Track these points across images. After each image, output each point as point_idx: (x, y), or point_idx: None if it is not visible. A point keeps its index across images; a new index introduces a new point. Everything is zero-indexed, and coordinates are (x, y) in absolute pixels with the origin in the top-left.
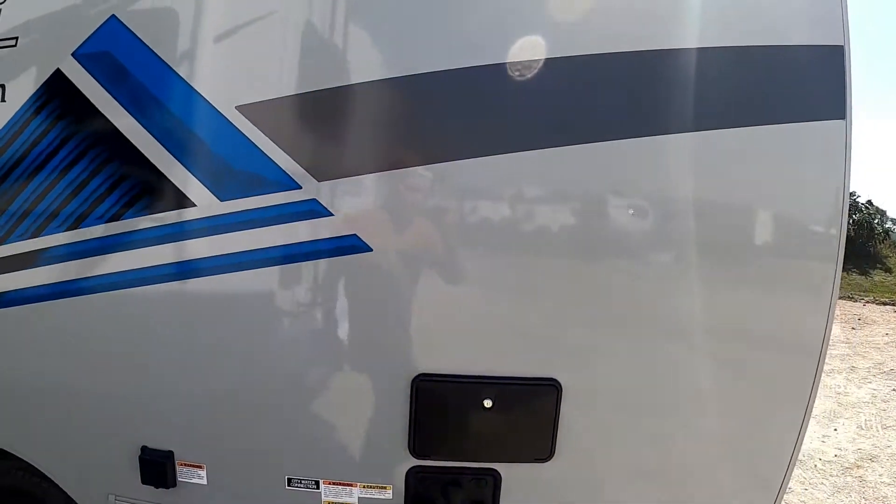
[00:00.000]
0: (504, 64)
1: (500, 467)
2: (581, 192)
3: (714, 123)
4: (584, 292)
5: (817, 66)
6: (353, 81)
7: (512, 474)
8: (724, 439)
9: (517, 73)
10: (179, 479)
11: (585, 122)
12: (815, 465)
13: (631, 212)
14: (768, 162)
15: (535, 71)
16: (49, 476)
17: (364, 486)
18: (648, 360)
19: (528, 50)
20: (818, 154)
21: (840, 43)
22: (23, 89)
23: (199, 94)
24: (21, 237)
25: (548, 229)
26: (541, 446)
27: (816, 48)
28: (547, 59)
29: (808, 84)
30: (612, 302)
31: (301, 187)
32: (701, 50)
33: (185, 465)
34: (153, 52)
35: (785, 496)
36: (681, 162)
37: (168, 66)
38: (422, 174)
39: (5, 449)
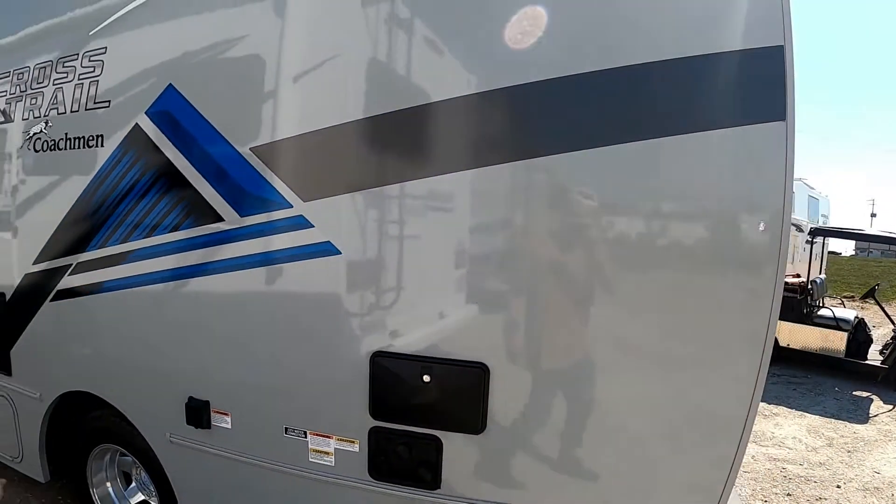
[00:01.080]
0: (423, 106)
1: (441, 435)
2: (513, 204)
3: (652, 133)
4: (513, 290)
5: (757, 68)
6: (322, 126)
7: (451, 442)
8: (654, 422)
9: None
10: (213, 424)
11: (527, 142)
12: None
13: (568, 217)
14: (708, 166)
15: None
16: (130, 420)
17: (338, 439)
18: (575, 348)
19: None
20: (758, 157)
21: (780, 43)
22: (115, 137)
23: (225, 139)
24: (115, 242)
25: (479, 239)
26: (472, 420)
27: (755, 51)
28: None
29: (747, 87)
30: (538, 298)
31: (292, 206)
32: (633, 67)
33: (217, 412)
34: (195, 109)
35: None
36: (623, 171)
37: (205, 119)
38: (375, 195)
39: (106, 399)
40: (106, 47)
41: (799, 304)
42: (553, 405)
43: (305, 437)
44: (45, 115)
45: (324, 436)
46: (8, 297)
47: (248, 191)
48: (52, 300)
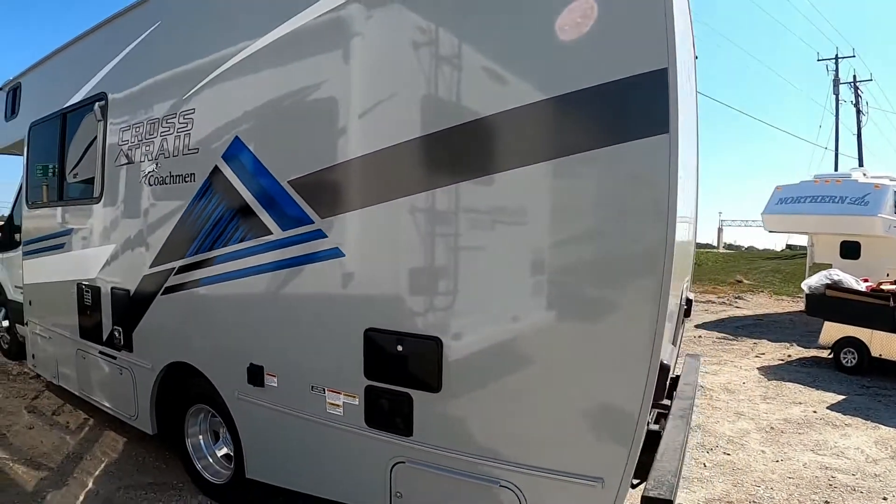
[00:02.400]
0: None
1: (411, 392)
2: (451, 220)
3: (546, 156)
4: (460, 282)
5: (642, 89)
6: (331, 164)
7: (419, 398)
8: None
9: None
10: (266, 383)
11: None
12: None
13: (497, 226)
14: (595, 183)
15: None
16: (213, 383)
17: (345, 394)
18: (511, 325)
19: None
20: (642, 168)
21: (664, 66)
22: (202, 175)
23: (271, 174)
24: (202, 250)
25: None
26: (429, 381)
27: (640, 76)
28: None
29: (633, 107)
30: (476, 286)
31: (314, 222)
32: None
33: (268, 374)
34: (252, 153)
35: None
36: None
37: (259, 160)
38: (367, 213)
39: (198, 367)
40: (194, 108)
41: (892, 311)
42: (493, 370)
43: (324, 393)
44: (155, 159)
45: (335, 391)
46: (132, 293)
47: (286, 212)
48: (161, 294)
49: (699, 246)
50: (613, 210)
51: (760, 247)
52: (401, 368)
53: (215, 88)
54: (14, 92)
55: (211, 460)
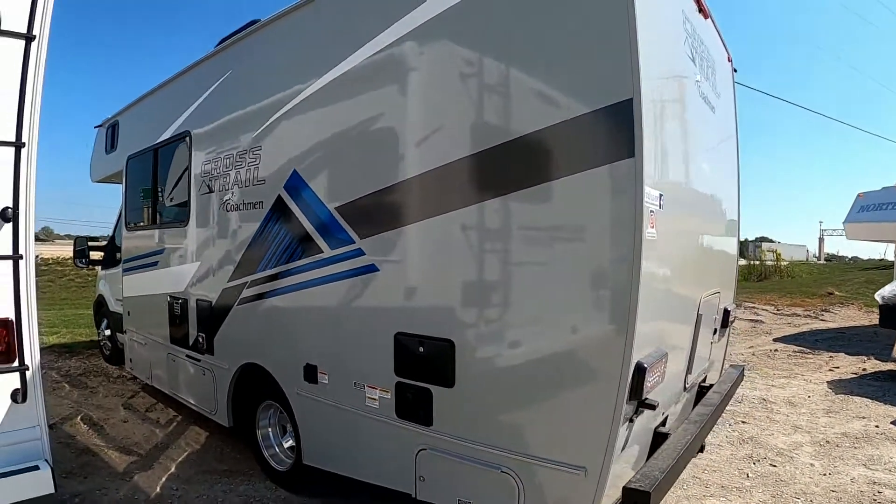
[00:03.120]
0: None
1: (430, 387)
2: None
3: (531, 183)
4: (468, 293)
5: (610, 118)
6: (365, 193)
7: (437, 393)
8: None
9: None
10: (319, 381)
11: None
12: None
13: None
14: (575, 203)
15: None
16: (278, 381)
17: (380, 390)
18: (507, 331)
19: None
20: (610, 189)
21: (629, 97)
22: (268, 203)
23: (322, 202)
24: (269, 267)
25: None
26: (445, 378)
27: (608, 107)
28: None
29: (602, 135)
30: (484, 297)
31: (354, 242)
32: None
33: (321, 373)
34: (307, 184)
35: None
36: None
37: (312, 190)
38: (394, 234)
39: (266, 367)
40: (261, 146)
41: None
42: (494, 368)
43: (364, 389)
44: (231, 188)
45: (372, 387)
46: (213, 304)
47: (333, 233)
48: (237, 305)
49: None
50: (587, 227)
51: (865, 257)
52: (422, 367)
53: (277, 128)
54: (113, 128)
55: (277, 450)
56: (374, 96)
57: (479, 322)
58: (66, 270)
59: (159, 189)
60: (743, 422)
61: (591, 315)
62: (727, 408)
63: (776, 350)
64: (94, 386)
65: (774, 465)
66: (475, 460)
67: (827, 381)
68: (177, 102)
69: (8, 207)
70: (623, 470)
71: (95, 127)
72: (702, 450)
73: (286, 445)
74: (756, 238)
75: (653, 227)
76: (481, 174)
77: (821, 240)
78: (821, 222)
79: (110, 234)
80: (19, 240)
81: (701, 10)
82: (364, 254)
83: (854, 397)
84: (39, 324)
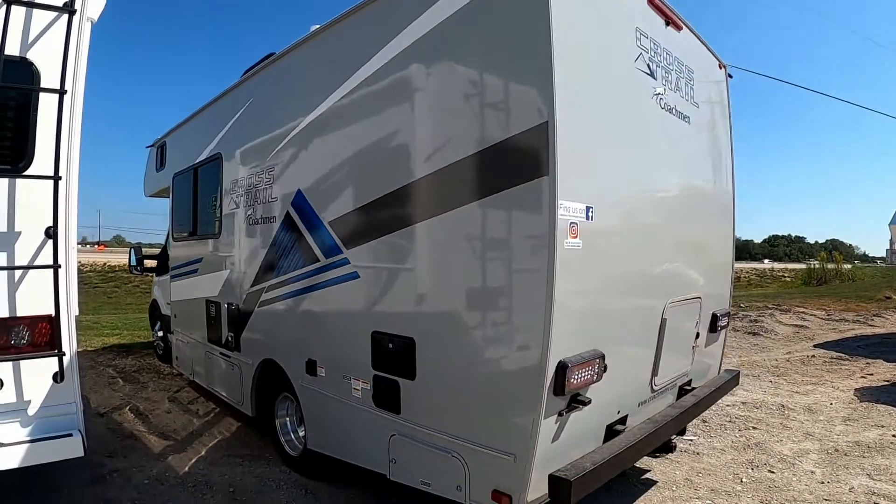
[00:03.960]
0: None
1: (398, 380)
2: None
3: (470, 199)
4: (422, 297)
5: (529, 141)
6: (347, 211)
7: (403, 385)
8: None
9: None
10: (318, 374)
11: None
12: None
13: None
14: (498, 220)
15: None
16: (287, 374)
17: (362, 381)
18: (456, 332)
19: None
20: (529, 204)
21: (544, 120)
22: (279, 218)
23: (319, 217)
24: (280, 274)
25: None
26: (409, 371)
27: (526, 131)
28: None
29: (522, 156)
30: (434, 301)
31: (342, 252)
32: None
33: (319, 366)
34: (308, 202)
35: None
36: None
37: (312, 207)
38: (375, 244)
39: (279, 363)
40: (274, 167)
41: None
42: (445, 364)
43: (350, 381)
44: (252, 205)
45: (357, 379)
46: (240, 307)
47: (327, 244)
48: (257, 307)
49: (864, 260)
50: (513, 239)
51: None
52: (392, 361)
53: (286, 152)
54: (161, 148)
55: (293, 436)
56: (349, 130)
57: (432, 323)
58: (134, 277)
59: (198, 204)
60: (754, 427)
61: (517, 319)
62: (739, 413)
63: (813, 356)
64: (145, 381)
65: (772, 472)
66: (432, 445)
67: (855, 389)
68: (212, 126)
69: (49, 227)
70: (558, 459)
71: (147, 147)
72: (671, 450)
73: (301, 434)
74: (826, 241)
75: (575, 238)
76: (428, 195)
77: (892, 242)
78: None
79: (163, 244)
80: (59, 252)
81: (671, 23)
82: (349, 262)
83: (878, 405)
84: (102, 325)
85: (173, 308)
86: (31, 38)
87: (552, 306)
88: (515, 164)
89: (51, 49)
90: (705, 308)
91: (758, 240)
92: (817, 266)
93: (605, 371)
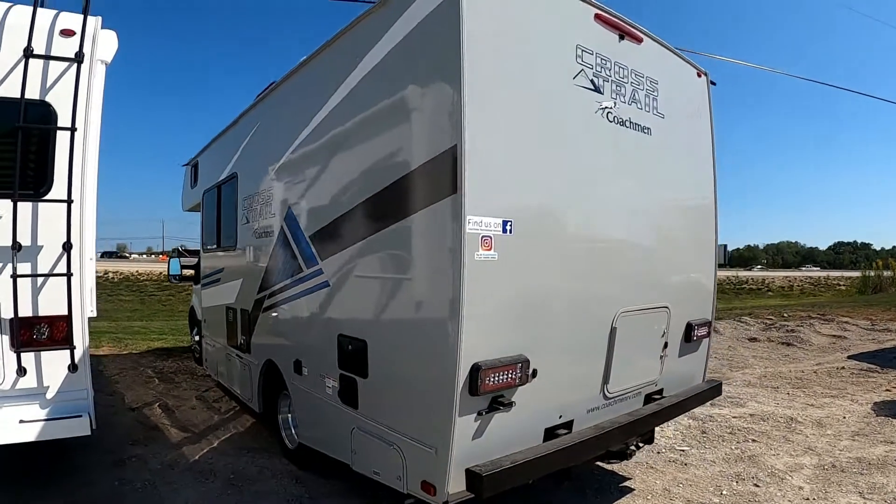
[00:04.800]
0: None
1: (356, 378)
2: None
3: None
4: (370, 304)
5: (442, 163)
6: (321, 226)
7: (359, 382)
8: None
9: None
10: (303, 373)
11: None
12: None
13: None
14: (421, 235)
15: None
16: (283, 374)
17: (332, 379)
18: (392, 336)
19: None
20: (442, 220)
21: (454, 144)
22: (276, 232)
23: (303, 232)
24: (277, 282)
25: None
26: (363, 370)
27: (439, 155)
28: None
29: (437, 177)
30: (376, 308)
31: (318, 263)
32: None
33: (303, 366)
34: (295, 217)
35: None
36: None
37: (298, 222)
38: (343, 255)
39: (275, 362)
40: (272, 186)
41: None
42: (387, 364)
43: (325, 379)
44: (258, 219)
45: (328, 377)
46: (249, 312)
47: (308, 256)
48: (262, 312)
49: None
50: (432, 252)
51: None
52: (351, 361)
53: (281, 173)
54: (195, 167)
55: (292, 431)
56: (320, 155)
57: (378, 327)
58: (187, 285)
59: (221, 218)
60: (753, 440)
61: (435, 324)
62: (743, 425)
63: (842, 367)
64: (178, 381)
65: (757, 486)
66: (381, 438)
67: (875, 402)
68: (231, 148)
69: (65, 242)
70: (482, 455)
71: (182, 165)
72: (626, 457)
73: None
74: (893, 247)
75: (489, 250)
76: (371, 215)
77: None
78: None
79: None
80: (72, 262)
81: (627, 36)
82: (323, 273)
83: (895, 420)
84: (150, 331)
85: (203, 314)
86: (48, 84)
87: (461, 313)
88: (434, 184)
89: (65, 92)
90: (676, 318)
91: (822, 247)
92: (873, 274)
93: (533, 376)
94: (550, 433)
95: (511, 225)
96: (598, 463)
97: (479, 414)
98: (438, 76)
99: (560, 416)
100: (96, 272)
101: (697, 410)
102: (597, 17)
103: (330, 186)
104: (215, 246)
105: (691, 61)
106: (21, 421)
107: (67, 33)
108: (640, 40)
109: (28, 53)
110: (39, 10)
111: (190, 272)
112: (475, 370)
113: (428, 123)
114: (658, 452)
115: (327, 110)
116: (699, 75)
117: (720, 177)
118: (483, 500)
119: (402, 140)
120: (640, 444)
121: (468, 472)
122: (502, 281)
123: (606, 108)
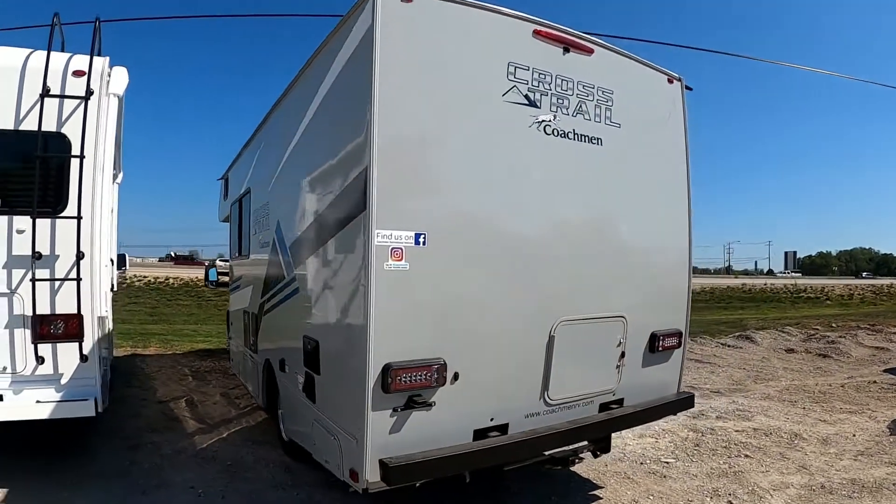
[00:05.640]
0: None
1: (313, 374)
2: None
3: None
4: (321, 310)
5: (358, 183)
6: (292, 240)
7: (316, 378)
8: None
9: None
10: (286, 370)
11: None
12: None
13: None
14: (343, 248)
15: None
16: (275, 372)
17: (300, 376)
18: (329, 338)
19: None
20: (355, 235)
21: (366, 165)
22: (270, 242)
23: (285, 243)
24: (272, 288)
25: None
26: (317, 367)
27: (357, 176)
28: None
29: (354, 196)
30: (320, 313)
31: (294, 271)
32: None
33: (286, 364)
34: (282, 230)
35: None
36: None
37: (283, 234)
38: (301, 268)
39: (270, 360)
40: (269, 202)
41: None
42: (329, 362)
43: (297, 375)
44: (262, 231)
45: (298, 374)
46: (256, 315)
47: (287, 264)
48: (263, 315)
49: None
50: (351, 263)
51: None
52: (310, 359)
53: (272, 190)
54: (226, 181)
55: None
56: (291, 178)
57: (325, 329)
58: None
59: (241, 229)
60: (747, 455)
61: (355, 327)
62: (741, 440)
63: (874, 382)
64: (210, 379)
65: (731, 503)
66: (327, 429)
67: (893, 420)
68: (247, 165)
69: (79, 251)
70: (401, 448)
71: (217, 179)
72: (569, 464)
73: None
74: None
75: (400, 260)
76: (316, 232)
77: None
78: None
79: None
80: (85, 270)
81: (573, 48)
82: (296, 280)
83: None
84: (199, 333)
85: (230, 317)
86: (63, 118)
87: (370, 317)
88: (352, 203)
89: (78, 124)
90: (637, 327)
91: None
92: None
93: (455, 378)
94: (481, 434)
95: (424, 237)
96: (574, 469)
97: (395, 410)
98: (357, 107)
99: (492, 419)
100: (158, 278)
101: (700, 422)
102: (536, 32)
103: (299, 205)
104: (237, 255)
105: (661, 68)
106: (38, 401)
107: (79, 74)
108: (590, 51)
109: (44, 93)
110: (57, 53)
111: (225, 279)
112: (386, 369)
113: (350, 150)
114: (641, 463)
115: (298, 135)
116: (670, 81)
117: (789, 180)
118: (415, 490)
119: (337, 165)
120: (597, 453)
121: (380, 462)
122: (414, 289)
123: (543, 121)
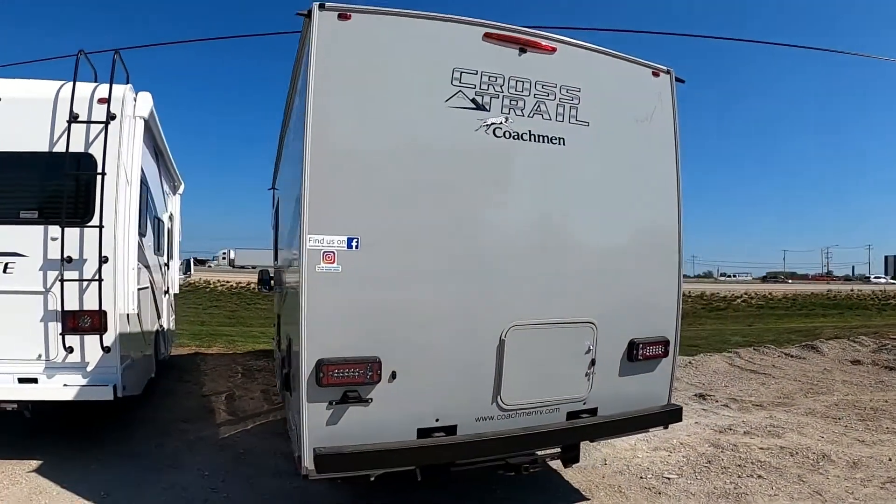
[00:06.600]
0: None
1: (288, 368)
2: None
3: None
4: (290, 310)
5: (299, 197)
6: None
7: (289, 372)
8: None
9: None
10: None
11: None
12: None
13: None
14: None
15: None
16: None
17: (284, 373)
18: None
19: None
20: (297, 243)
21: (303, 180)
22: (284, 248)
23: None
24: (283, 288)
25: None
26: (289, 361)
27: (299, 191)
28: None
29: (297, 209)
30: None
31: (285, 273)
32: None
33: (288, 360)
34: (282, 235)
35: None
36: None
37: (284, 237)
38: (281, 274)
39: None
40: (286, 213)
41: None
42: (293, 357)
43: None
44: (282, 239)
45: (285, 369)
46: (280, 315)
47: (281, 269)
48: (279, 315)
49: None
50: (295, 268)
51: None
52: (286, 354)
53: (283, 200)
54: (274, 191)
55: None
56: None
57: (288, 327)
58: None
59: (277, 236)
60: (760, 476)
61: (296, 326)
62: (760, 458)
63: None
64: (257, 377)
65: None
66: (292, 419)
67: None
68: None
69: (101, 255)
70: (339, 440)
71: (268, 189)
72: (521, 471)
73: None
74: None
75: (332, 263)
76: (286, 240)
77: None
78: None
79: None
80: (108, 272)
81: (531, 48)
82: (283, 283)
83: None
84: (267, 335)
85: (275, 318)
86: (90, 140)
87: (303, 315)
88: (298, 211)
89: (103, 145)
90: (610, 335)
91: None
92: None
93: (392, 377)
94: (425, 433)
95: (357, 241)
96: (566, 479)
97: (332, 403)
98: (300, 120)
99: (437, 420)
100: (241, 283)
101: (725, 437)
102: (487, 35)
103: (287, 215)
104: (274, 260)
105: (643, 62)
106: (65, 385)
107: (102, 101)
108: (551, 50)
109: (70, 119)
110: (84, 84)
111: None
112: (319, 364)
113: (299, 161)
114: (641, 477)
115: (287, 146)
116: (656, 74)
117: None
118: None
119: (296, 176)
120: (567, 463)
121: (313, 451)
122: (347, 290)
123: (493, 123)
